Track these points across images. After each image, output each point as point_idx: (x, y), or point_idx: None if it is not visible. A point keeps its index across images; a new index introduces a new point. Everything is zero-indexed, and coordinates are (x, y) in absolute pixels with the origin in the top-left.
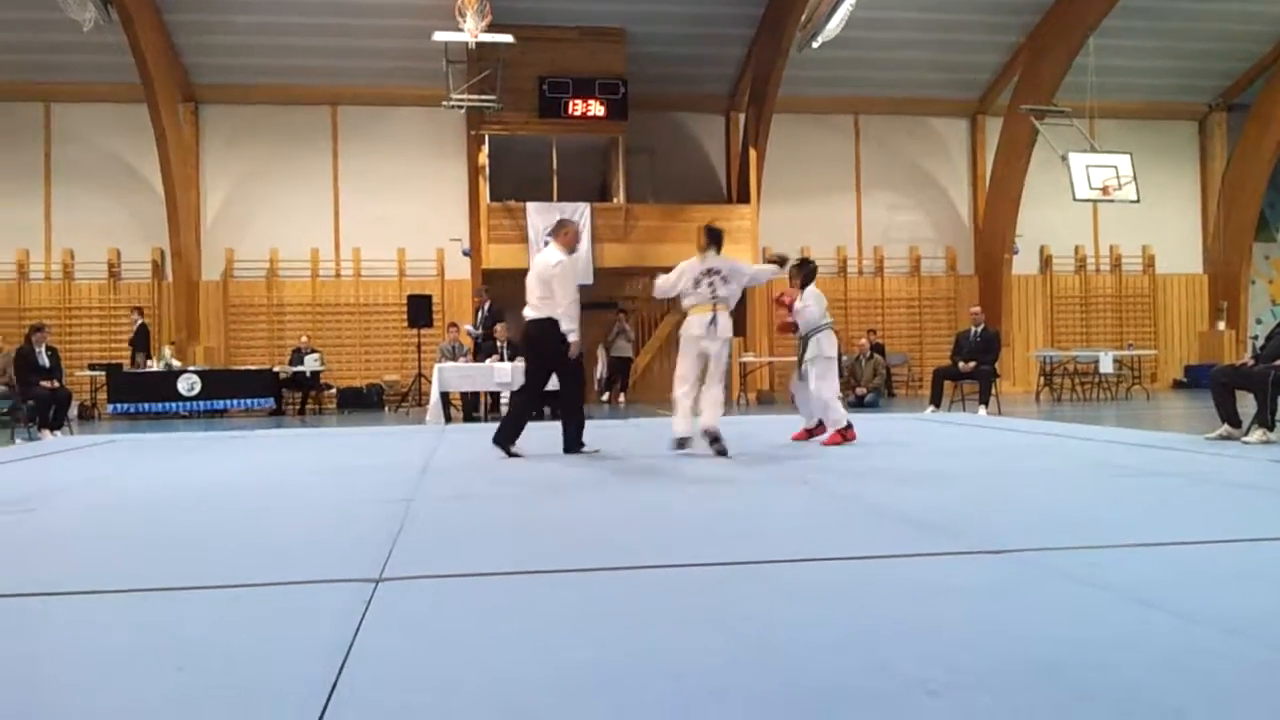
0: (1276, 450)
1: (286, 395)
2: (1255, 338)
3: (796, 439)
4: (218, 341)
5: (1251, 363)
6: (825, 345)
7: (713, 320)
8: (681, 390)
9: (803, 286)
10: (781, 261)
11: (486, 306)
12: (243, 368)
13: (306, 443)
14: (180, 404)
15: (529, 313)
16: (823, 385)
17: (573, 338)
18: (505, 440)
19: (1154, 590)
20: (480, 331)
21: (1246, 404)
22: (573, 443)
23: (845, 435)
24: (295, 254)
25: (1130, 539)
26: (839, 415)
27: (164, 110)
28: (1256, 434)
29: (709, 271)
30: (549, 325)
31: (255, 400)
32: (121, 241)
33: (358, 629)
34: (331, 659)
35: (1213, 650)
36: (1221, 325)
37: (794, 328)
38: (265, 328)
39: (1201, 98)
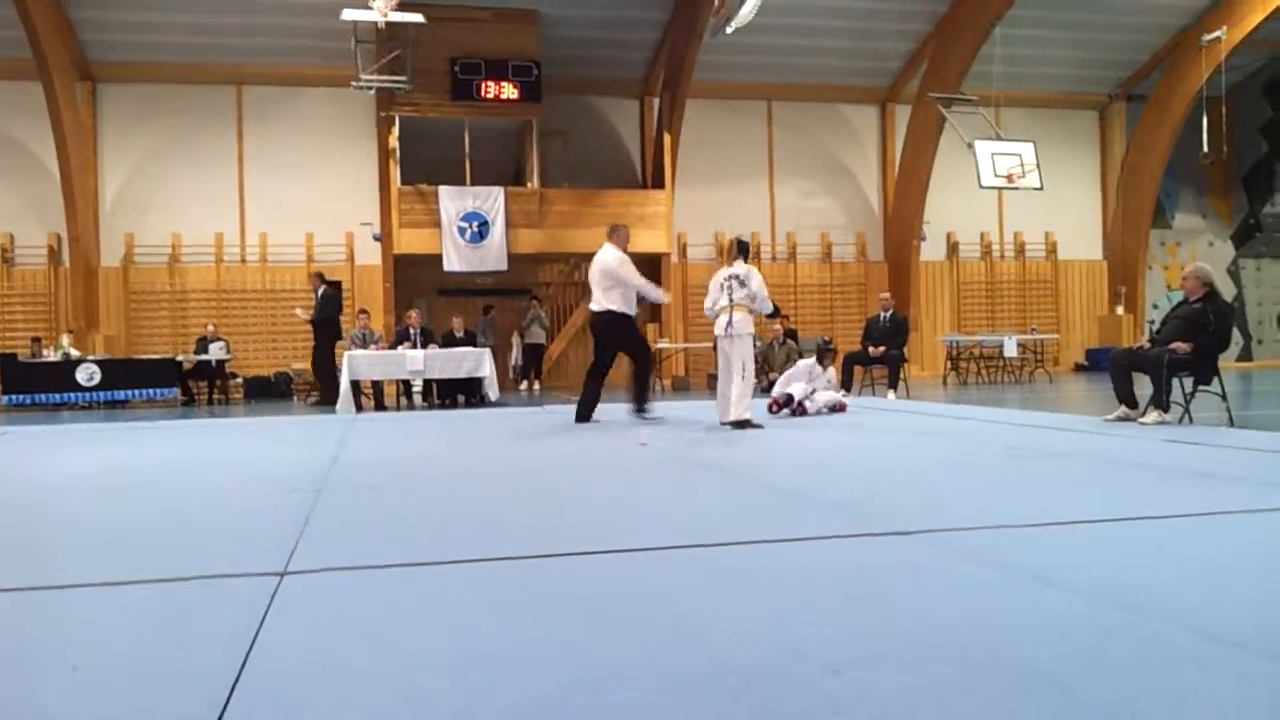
0: (1170, 431)
1: (192, 385)
2: (1152, 322)
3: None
4: (118, 330)
5: (1148, 346)
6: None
7: (729, 321)
8: (720, 382)
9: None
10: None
11: (320, 291)
12: (145, 357)
13: (210, 433)
14: (79, 394)
15: (594, 305)
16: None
17: (664, 297)
18: (585, 415)
19: (1052, 568)
20: (309, 316)
21: (1143, 386)
22: (640, 406)
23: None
24: (199, 239)
25: (1031, 519)
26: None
27: (59, 89)
28: (1152, 415)
29: (730, 277)
30: (613, 316)
31: (158, 390)
32: (15, 226)
33: (261, 623)
34: (234, 654)
35: (1105, 624)
36: (1120, 310)
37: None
38: (168, 315)
39: (1102, 88)
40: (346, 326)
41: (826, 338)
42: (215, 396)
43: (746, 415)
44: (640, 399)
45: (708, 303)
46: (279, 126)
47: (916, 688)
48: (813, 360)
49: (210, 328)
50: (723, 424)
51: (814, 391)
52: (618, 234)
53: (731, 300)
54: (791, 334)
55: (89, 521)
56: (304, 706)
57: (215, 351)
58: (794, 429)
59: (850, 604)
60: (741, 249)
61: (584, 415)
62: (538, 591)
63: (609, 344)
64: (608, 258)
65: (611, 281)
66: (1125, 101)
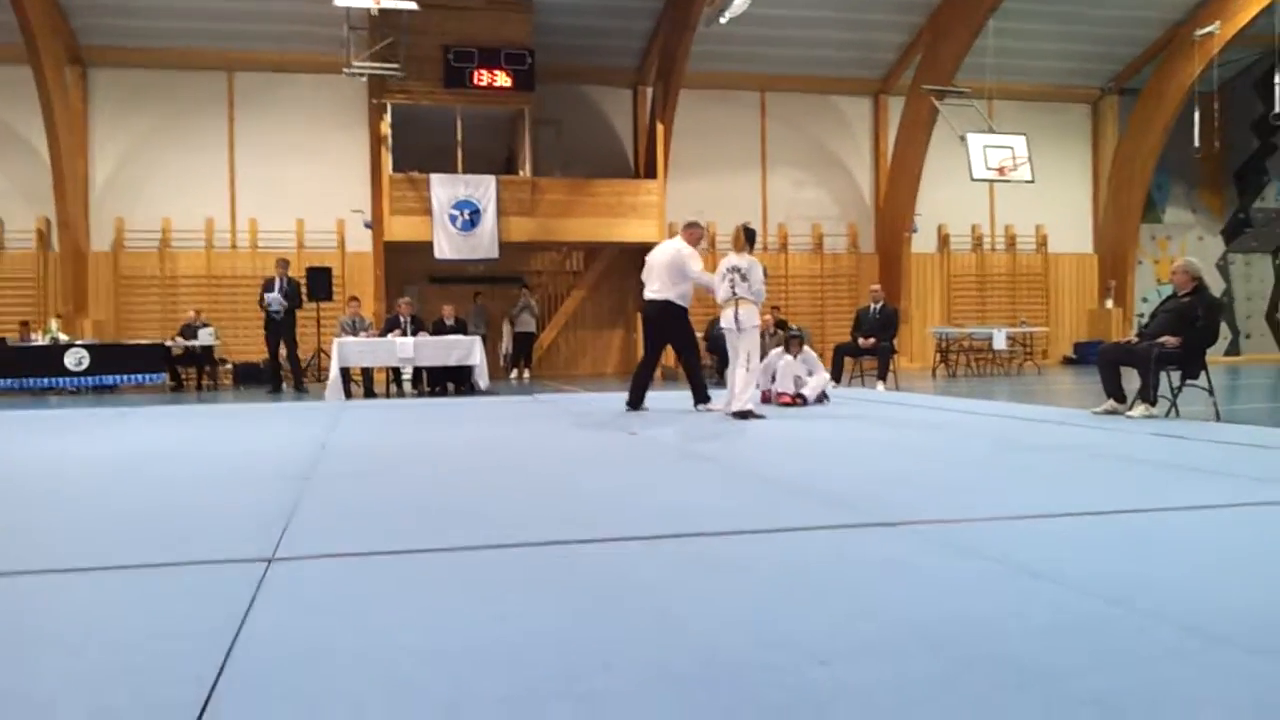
0: (1158, 424)
1: (181, 371)
2: (1141, 316)
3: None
4: (107, 314)
5: (1136, 340)
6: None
7: (735, 315)
8: (727, 373)
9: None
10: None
11: (284, 280)
12: (134, 342)
13: (199, 419)
14: (67, 379)
15: (649, 294)
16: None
17: (723, 294)
18: (637, 402)
19: (1040, 561)
20: (279, 302)
21: (1132, 380)
22: (699, 397)
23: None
24: (189, 224)
25: (1019, 512)
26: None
27: (49, 73)
28: (1140, 409)
29: (733, 269)
30: (672, 307)
31: (147, 376)
32: (4, 210)
33: (248, 610)
34: (221, 640)
35: (1094, 617)
36: (1110, 303)
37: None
38: (158, 300)
39: (1094, 82)
40: (336, 313)
41: (795, 327)
42: (204, 382)
43: (749, 406)
44: (699, 392)
45: (717, 292)
46: (270, 112)
47: (902, 680)
48: (780, 350)
49: (194, 313)
50: (726, 414)
51: (798, 378)
52: (691, 230)
53: (735, 294)
54: (782, 324)
55: (75, 506)
56: (290, 693)
57: (204, 337)
58: (789, 419)
59: (837, 596)
60: (749, 237)
61: (635, 402)
62: (524, 580)
63: (662, 334)
64: (681, 250)
65: (677, 274)
66: (1118, 95)
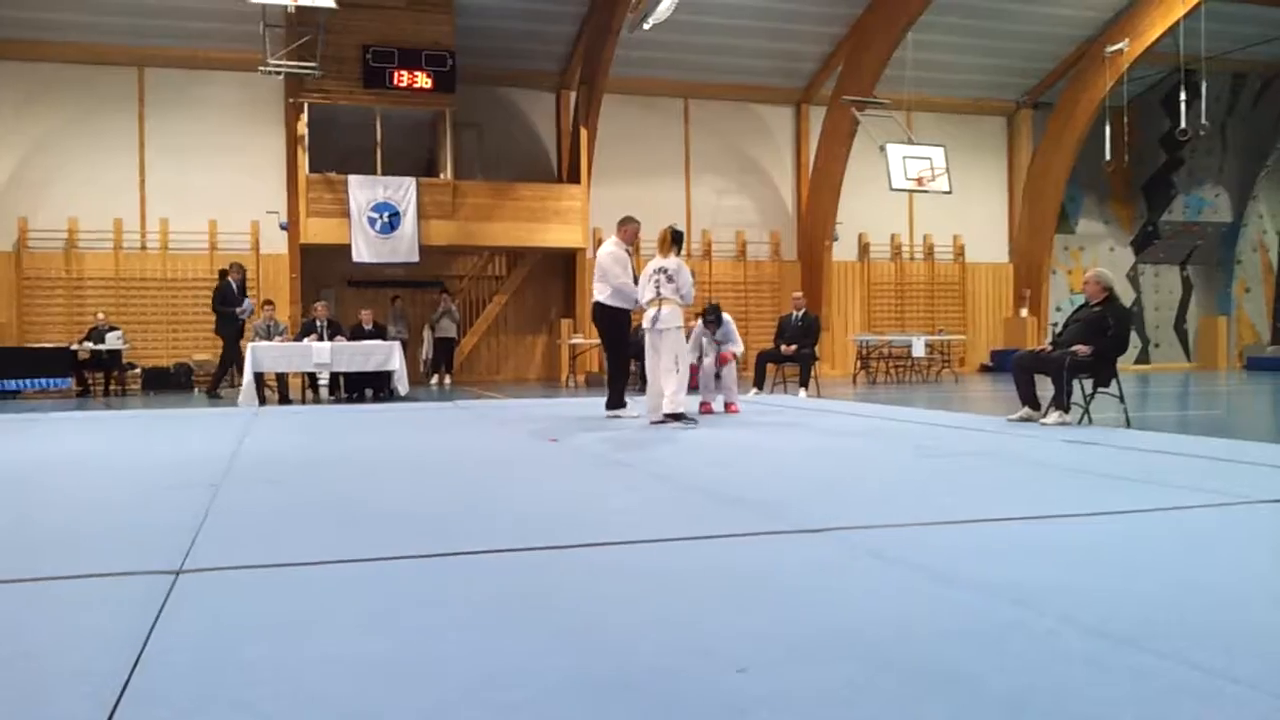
0: (1070, 431)
1: (88, 376)
2: (1055, 325)
3: (705, 411)
4: (9, 317)
5: (1050, 349)
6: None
7: (655, 315)
8: (649, 379)
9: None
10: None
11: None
12: (37, 345)
13: (106, 426)
14: None
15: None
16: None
17: (636, 304)
18: (614, 403)
19: (954, 566)
20: (247, 309)
21: (1045, 387)
22: (614, 402)
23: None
24: (97, 224)
25: (936, 517)
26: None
27: None
28: (1053, 416)
29: (660, 270)
30: (600, 308)
31: (51, 381)
32: None
33: (154, 623)
34: (125, 656)
35: (1003, 621)
36: (1024, 312)
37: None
38: (63, 303)
39: (1010, 95)
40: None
41: (713, 301)
42: (112, 387)
43: (680, 410)
44: (611, 397)
45: (641, 294)
46: (183, 111)
47: (821, 686)
48: (700, 325)
49: (101, 316)
50: (653, 422)
51: (703, 357)
52: (625, 227)
53: (660, 294)
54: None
55: None
56: (196, 709)
57: (112, 341)
58: (713, 427)
59: (757, 602)
60: (677, 239)
61: (613, 403)
62: (441, 590)
63: (600, 335)
64: (611, 252)
65: (602, 275)
66: (1032, 109)
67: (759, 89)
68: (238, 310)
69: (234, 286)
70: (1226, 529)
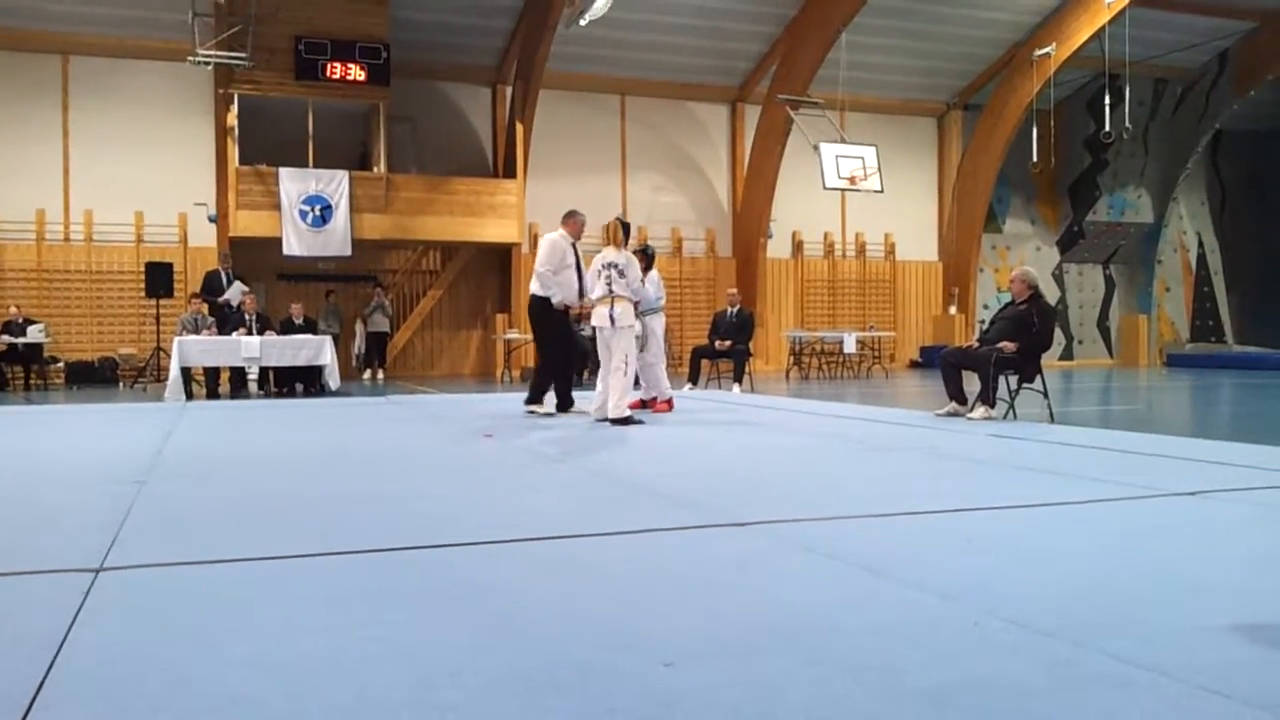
0: (996, 426)
1: (6, 370)
2: (982, 322)
3: (633, 407)
4: None
5: (977, 345)
6: (655, 326)
7: (610, 314)
8: (599, 375)
9: (645, 271)
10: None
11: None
12: None
13: (27, 420)
14: None
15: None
16: (658, 363)
17: (555, 299)
18: (534, 400)
19: (882, 559)
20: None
21: (973, 383)
22: (529, 396)
23: (669, 405)
24: (18, 215)
25: (865, 511)
26: (666, 388)
27: None
28: (979, 411)
29: (609, 265)
30: (531, 300)
31: None
32: None
33: (72, 623)
34: (41, 656)
35: (929, 614)
36: (953, 310)
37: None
38: None
39: (941, 96)
40: (177, 310)
41: (645, 244)
42: (33, 382)
43: (627, 412)
44: (532, 390)
45: (592, 290)
46: (109, 100)
47: (748, 679)
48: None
49: (16, 310)
50: (599, 421)
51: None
52: (569, 221)
53: (612, 291)
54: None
55: None
56: (114, 712)
57: (34, 334)
58: (651, 424)
59: (686, 596)
60: (626, 231)
61: (532, 399)
62: (370, 588)
63: (532, 328)
64: (551, 244)
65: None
66: (962, 110)
67: (695, 87)
68: (219, 300)
69: (223, 276)
70: (1146, 521)
